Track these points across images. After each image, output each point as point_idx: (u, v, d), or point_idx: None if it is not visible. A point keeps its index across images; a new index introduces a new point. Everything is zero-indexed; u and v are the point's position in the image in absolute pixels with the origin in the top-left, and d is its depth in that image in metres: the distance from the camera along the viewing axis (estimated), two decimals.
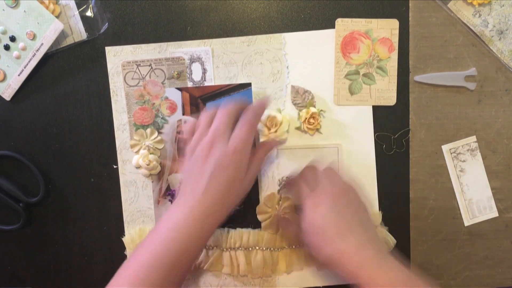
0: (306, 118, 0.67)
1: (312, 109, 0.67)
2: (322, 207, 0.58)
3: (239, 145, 0.59)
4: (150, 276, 0.54)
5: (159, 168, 0.69)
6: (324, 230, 0.57)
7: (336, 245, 0.57)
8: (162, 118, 0.69)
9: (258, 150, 0.65)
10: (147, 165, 0.67)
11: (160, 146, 0.69)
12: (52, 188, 0.70)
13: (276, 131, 0.67)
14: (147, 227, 0.70)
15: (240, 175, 0.60)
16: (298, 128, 0.68)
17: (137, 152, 0.69)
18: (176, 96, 0.68)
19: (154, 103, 0.69)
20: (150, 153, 0.69)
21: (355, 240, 0.57)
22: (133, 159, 0.69)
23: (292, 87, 0.68)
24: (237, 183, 0.60)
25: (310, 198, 0.60)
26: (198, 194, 0.58)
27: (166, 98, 0.68)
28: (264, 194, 0.70)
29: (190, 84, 0.69)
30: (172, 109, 0.68)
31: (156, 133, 0.69)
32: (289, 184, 0.69)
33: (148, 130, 0.69)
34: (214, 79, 0.68)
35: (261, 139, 0.67)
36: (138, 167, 0.69)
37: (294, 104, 0.68)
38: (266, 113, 0.67)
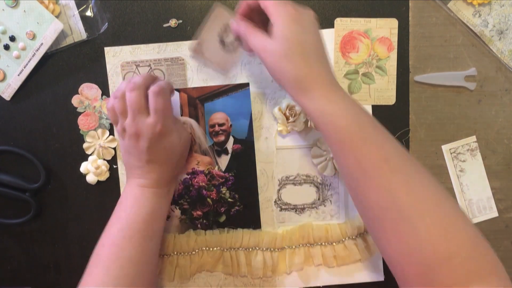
0: None
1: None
2: (299, 26, 0.55)
3: (160, 114, 0.59)
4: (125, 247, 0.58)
5: (107, 174, 0.69)
6: (298, 49, 0.55)
7: (302, 68, 0.55)
8: (106, 118, 0.69)
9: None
10: (96, 169, 0.68)
11: (113, 145, 0.69)
12: (51, 187, 0.70)
13: (294, 121, 0.67)
14: None
15: (175, 138, 0.62)
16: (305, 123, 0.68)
17: (91, 154, 0.69)
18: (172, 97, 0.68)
19: (95, 106, 0.69)
20: (100, 158, 0.69)
21: (318, 66, 0.56)
22: (81, 166, 0.69)
23: None
24: (177, 147, 0.62)
25: (289, 11, 0.55)
26: (145, 171, 0.61)
27: (105, 98, 0.69)
28: (263, 194, 0.70)
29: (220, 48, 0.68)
30: None
31: (108, 133, 0.69)
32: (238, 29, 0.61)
33: (99, 131, 0.69)
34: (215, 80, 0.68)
35: (280, 128, 0.67)
36: (87, 173, 0.69)
37: None
38: (286, 102, 0.67)
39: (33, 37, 0.65)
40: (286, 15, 0.55)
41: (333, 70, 0.58)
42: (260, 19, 0.60)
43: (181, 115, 0.68)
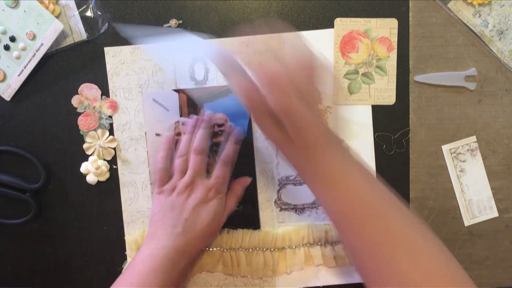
0: None
1: (319, 106, 0.67)
2: (276, 92, 0.51)
3: (220, 181, 0.63)
4: None
5: (107, 175, 0.69)
6: (284, 82, 0.50)
7: (292, 99, 0.50)
8: (106, 119, 0.69)
9: (234, 187, 0.68)
10: (96, 169, 0.68)
11: (113, 145, 0.69)
12: (51, 188, 0.70)
13: None
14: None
15: (220, 210, 0.64)
16: None
17: (92, 154, 0.69)
18: (171, 98, 0.69)
19: (94, 106, 0.69)
20: (100, 158, 0.69)
21: (311, 108, 0.52)
22: (81, 166, 0.69)
23: None
24: (218, 218, 0.64)
25: (261, 78, 0.52)
26: (175, 234, 0.61)
27: (105, 98, 0.69)
28: (263, 195, 0.70)
29: (192, 84, 0.69)
30: (113, 107, 0.68)
31: (108, 133, 0.69)
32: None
33: (99, 131, 0.69)
34: (216, 79, 0.68)
35: None
36: (87, 173, 0.69)
37: None
38: None
39: (33, 37, 0.65)
40: (262, 84, 0.52)
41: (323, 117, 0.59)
42: None
43: (181, 116, 0.69)
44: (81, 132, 0.69)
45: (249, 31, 0.67)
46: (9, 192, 0.68)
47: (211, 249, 0.69)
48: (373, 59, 0.68)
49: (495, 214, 0.70)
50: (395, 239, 0.49)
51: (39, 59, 0.67)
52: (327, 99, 0.69)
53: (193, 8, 0.68)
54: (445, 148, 0.70)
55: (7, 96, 0.68)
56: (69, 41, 0.68)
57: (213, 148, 0.69)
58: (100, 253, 0.71)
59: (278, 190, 0.70)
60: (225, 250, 0.69)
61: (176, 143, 0.69)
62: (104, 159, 0.69)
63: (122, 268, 0.70)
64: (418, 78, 0.68)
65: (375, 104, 0.69)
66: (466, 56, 0.69)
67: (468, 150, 0.69)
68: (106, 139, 0.69)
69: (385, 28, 0.67)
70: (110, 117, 0.69)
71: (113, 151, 0.69)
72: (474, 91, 0.69)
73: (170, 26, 0.68)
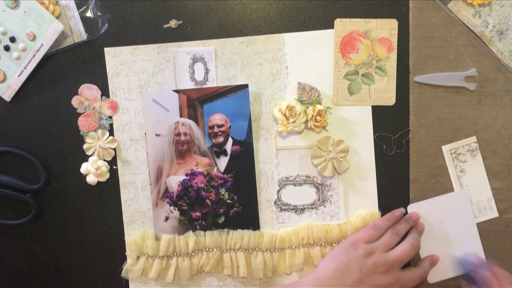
0: (313, 116, 0.67)
1: (319, 107, 0.67)
2: None
3: (400, 260, 0.63)
4: None
5: (107, 175, 0.69)
6: None
7: None
8: (106, 119, 0.69)
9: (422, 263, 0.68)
10: (96, 170, 0.68)
11: (113, 146, 0.69)
12: (52, 188, 0.70)
13: (294, 122, 0.67)
14: (149, 230, 0.70)
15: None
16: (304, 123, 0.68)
17: (92, 154, 0.69)
18: (170, 98, 0.69)
19: (94, 107, 0.69)
20: (100, 159, 0.69)
21: None
22: (81, 167, 0.69)
23: (299, 83, 0.68)
24: None
25: None
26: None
27: (105, 98, 0.69)
28: (263, 194, 0.70)
29: (192, 84, 0.69)
30: (113, 107, 0.69)
31: (108, 134, 0.69)
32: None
33: (99, 132, 0.69)
34: (216, 80, 0.68)
35: (280, 129, 0.67)
36: (87, 174, 0.69)
37: (300, 101, 0.68)
38: (286, 103, 0.67)
39: (33, 38, 0.65)
40: None
41: None
42: None
43: (180, 116, 0.69)
44: (81, 132, 0.69)
45: None
46: (9, 193, 0.69)
47: (211, 250, 0.69)
48: (373, 59, 0.68)
49: (495, 214, 0.70)
50: None
51: (39, 60, 0.67)
52: (327, 100, 0.69)
53: (193, 8, 0.68)
54: (445, 148, 0.70)
55: (7, 97, 0.68)
56: (69, 41, 0.68)
57: (212, 149, 0.69)
58: (100, 253, 0.71)
59: (278, 191, 0.70)
60: (225, 251, 0.69)
61: (174, 143, 0.69)
62: (104, 160, 0.69)
63: (122, 268, 0.70)
64: (418, 78, 0.68)
65: (375, 104, 0.69)
66: (466, 57, 0.68)
67: (468, 150, 0.69)
68: (106, 139, 0.69)
69: (385, 28, 0.67)
70: (110, 117, 0.69)
71: (113, 152, 0.69)
72: (474, 91, 0.69)
73: (170, 26, 0.68)
